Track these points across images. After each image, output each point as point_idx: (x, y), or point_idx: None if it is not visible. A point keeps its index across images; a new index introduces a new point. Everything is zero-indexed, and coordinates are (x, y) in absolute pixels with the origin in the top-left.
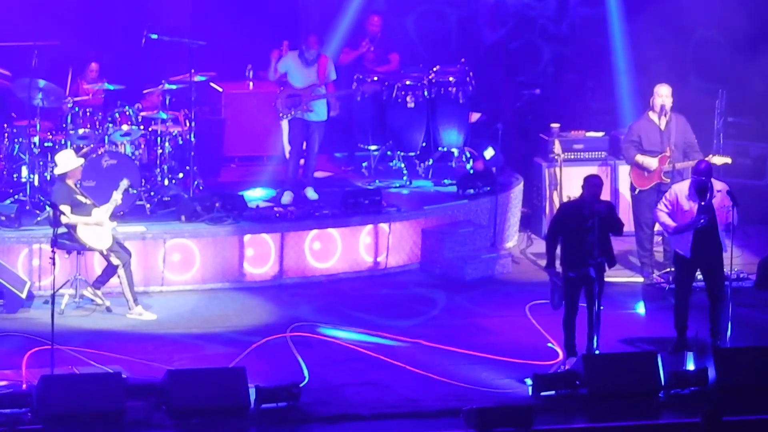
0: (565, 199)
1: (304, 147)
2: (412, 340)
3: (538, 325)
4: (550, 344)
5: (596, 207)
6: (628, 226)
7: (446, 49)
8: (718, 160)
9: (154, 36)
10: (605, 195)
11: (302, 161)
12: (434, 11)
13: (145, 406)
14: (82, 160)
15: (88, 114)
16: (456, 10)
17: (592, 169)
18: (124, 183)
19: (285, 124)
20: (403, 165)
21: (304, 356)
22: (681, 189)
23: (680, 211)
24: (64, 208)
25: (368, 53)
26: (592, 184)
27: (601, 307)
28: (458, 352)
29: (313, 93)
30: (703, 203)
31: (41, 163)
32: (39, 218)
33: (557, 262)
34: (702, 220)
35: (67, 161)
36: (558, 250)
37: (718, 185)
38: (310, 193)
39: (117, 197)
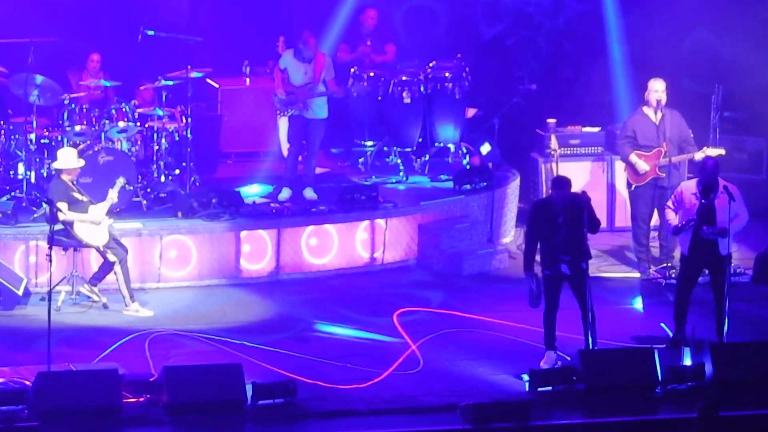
0: None
1: (303, 143)
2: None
3: (404, 333)
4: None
5: (566, 201)
6: (626, 221)
7: (442, 44)
8: (712, 151)
9: (151, 32)
10: (601, 190)
11: (300, 158)
12: (428, 6)
13: (141, 402)
14: (83, 162)
15: (84, 111)
16: (452, 6)
17: (589, 165)
18: (121, 180)
19: (282, 122)
20: (399, 161)
21: (300, 352)
22: (688, 186)
23: (683, 208)
24: (61, 204)
25: (365, 47)
26: (558, 184)
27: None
28: (454, 347)
29: (309, 91)
30: (704, 201)
31: (38, 159)
32: (35, 215)
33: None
34: (692, 222)
35: (68, 159)
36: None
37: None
38: (309, 194)
39: (113, 195)
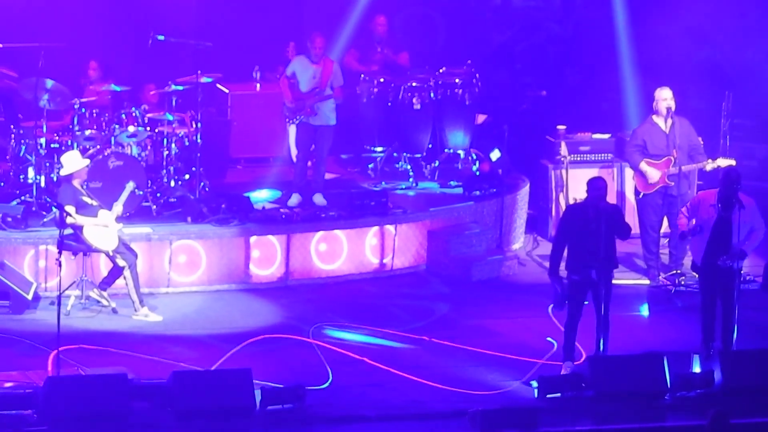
0: (571, 201)
1: (312, 149)
2: (417, 337)
3: (560, 325)
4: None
5: (602, 208)
6: (635, 228)
7: (452, 50)
8: (722, 162)
9: (161, 37)
10: (611, 197)
11: (310, 163)
12: (438, 13)
13: (150, 407)
14: (87, 161)
15: (94, 115)
16: (462, 12)
17: (598, 171)
18: (130, 185)
19: (292, 128)
20: (409, 167)
21: (309, 358)
22: (707, 197)
23: (699, 218)
24: (70, 209)
25: (377, 54)
26: (596, 187)
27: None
28: (463, 354)
29: (316, 96)
30: (723, 214)
31: (47, 164)
32: (45, 219)
33: (563, 265)
34: (698, 230)
35: (73, 162)
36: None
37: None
38: (319, 199)
39: (119, 209)
